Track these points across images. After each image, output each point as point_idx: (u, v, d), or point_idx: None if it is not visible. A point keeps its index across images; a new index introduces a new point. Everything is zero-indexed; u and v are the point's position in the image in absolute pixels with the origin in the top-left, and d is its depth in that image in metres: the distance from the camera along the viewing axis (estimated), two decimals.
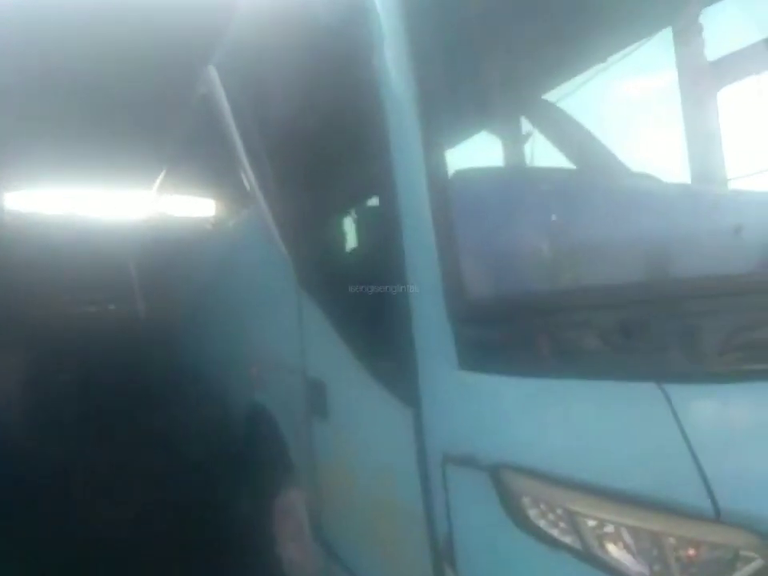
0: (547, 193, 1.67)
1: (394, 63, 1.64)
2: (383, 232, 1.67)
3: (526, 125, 3.07)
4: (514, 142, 3.15)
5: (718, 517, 1.25)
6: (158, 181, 5.46)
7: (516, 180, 1.64)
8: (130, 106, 5.52)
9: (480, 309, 1.43)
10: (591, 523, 1.31)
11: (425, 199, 1.49)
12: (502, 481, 1.35)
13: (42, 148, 6.43)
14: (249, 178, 2.84)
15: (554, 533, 1.32)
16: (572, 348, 1.39)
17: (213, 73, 3.49)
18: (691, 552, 1.25)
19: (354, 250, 1.95)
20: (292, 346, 2.41)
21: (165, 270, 4.87)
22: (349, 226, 2.04)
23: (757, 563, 1.24)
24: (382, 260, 1.71)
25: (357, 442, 1.94)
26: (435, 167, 1.52)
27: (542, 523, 1.34)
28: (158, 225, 5.14)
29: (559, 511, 1.32)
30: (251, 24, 3.02)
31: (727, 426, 1.35)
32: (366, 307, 1.79)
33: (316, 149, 2.09)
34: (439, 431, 1.50)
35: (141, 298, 6.02)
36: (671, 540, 1.28)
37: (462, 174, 1.58)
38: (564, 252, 1.55)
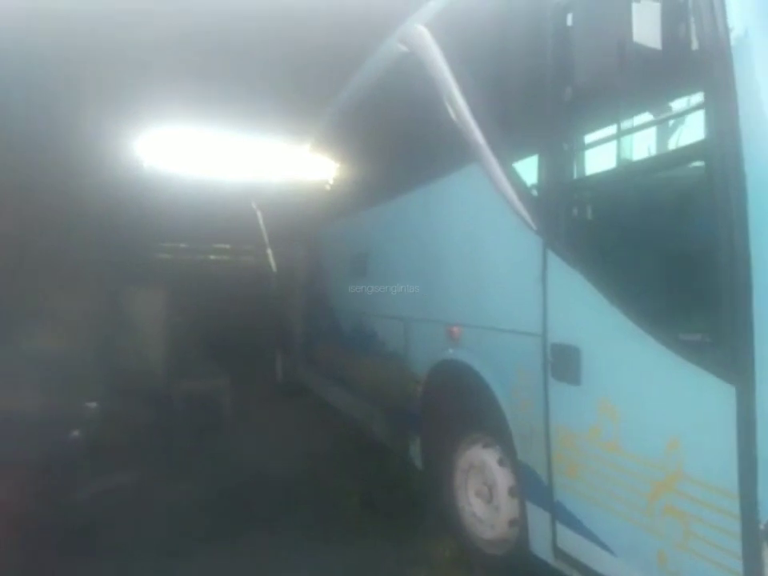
0: None
1: None
2: (714, 196, 1.60)
3: None
4: None
5: None
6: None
7: None
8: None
9: None
10: None
11: None
12: None
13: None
14: (473, 130, 2.84)
15: None
16: None
17: (422, 31, 3.49)
18: None
19: (647, 206, 1.86)
20: (528, 309, 2.40)
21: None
22: (646, 184, 1.95)
23: None
24: (704, 226, 1.65)
25: (630, 413, 1.92)
26: None
27: None
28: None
29: None
30: None
31: None
32: (668, 275, 1.75)
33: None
34: None
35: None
36: None
37: None
38: None
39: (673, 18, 1.77)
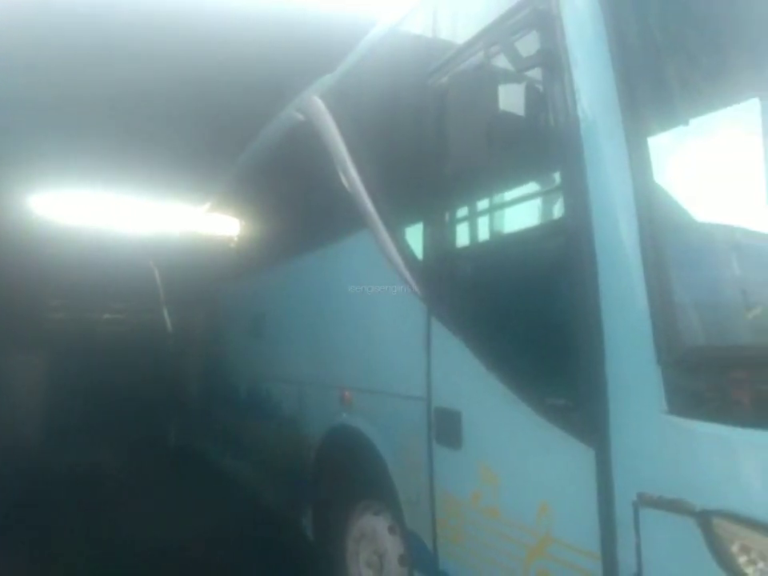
0: (757, 248, 1.75)
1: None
2: (572, 268, 1.73)
3: None
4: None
5: None
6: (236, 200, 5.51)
7: (729, 232, 1.72)
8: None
9: (693, 355, 1.49)
10: None
11: (635, 240, 1.56)
12: (714, 527, 1.39)
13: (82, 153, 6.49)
14: (363, 198, 2.94)
15: None
16: None
17: (317, 102, 3.62)
18: None
19: (520, 278, 1.98)
20: (414, 374, 2.44)
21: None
22: (513, 251, 2.07)
23: None
24: (563, 295, 1.76)
25: (507, 477, 1.97)
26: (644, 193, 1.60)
27: (749, 570, 1.37)
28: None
29: None
30: (376, 62, 3.13)
31: None
32: (535, 341, 1.85)
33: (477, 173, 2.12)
34: (635, 473, 1.54)
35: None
36: None
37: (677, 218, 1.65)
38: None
39: (534, 98, 1.94)
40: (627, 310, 1.57)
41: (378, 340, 2.81)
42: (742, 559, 1.38)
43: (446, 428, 2.25)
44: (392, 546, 2.75)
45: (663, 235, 1.59)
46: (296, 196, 3.95)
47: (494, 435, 2.04)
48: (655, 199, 1.63)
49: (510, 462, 1.97)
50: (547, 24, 1.91)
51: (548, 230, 1.96)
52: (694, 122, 2.09)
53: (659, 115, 1.83)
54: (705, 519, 1.40)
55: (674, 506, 1.45)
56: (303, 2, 4.52)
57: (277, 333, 4.07)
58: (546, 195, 2.05)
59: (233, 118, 5.46)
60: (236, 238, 5.38)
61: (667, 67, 1.89)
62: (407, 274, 2.55)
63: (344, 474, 3.09)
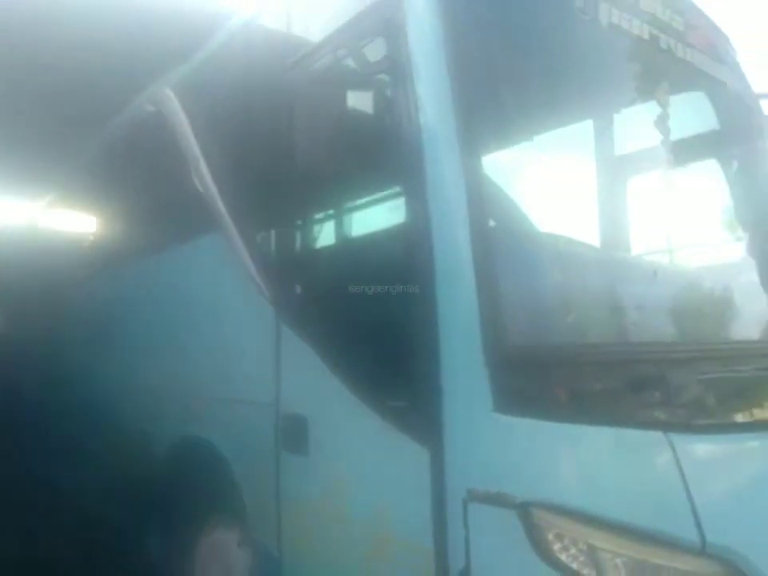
0: (579, 255, 1.89)
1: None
2: (409, 273, 1.76)
3: None
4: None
5: (703, 550, 1.46)
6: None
7: (554, 241, 1.83)
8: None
9: (517, 355, 1.57)
10: (606, 556, 1.46)
11: (467, 240, 1.62)
12: (532, 517, 1.47)
13: None
14: (213, 198, 2.81)
15: (574, 565, 1.46)
16: (598, 397, 1.57)
17: (169, 94, 3.43)
18: None
19: (364, 282, 1.98)
20: (260, 379, 2.37)
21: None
22: (356, 255, 2.07)
23: None
24: (401, 299, 1.78)
25: (351, 480, 1.96)
26: (475, 201, 1.66)
27: (563, 556, 1.47)
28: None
29: (581, 545, 1.46)
30: (228, 54, 3.02)
31: (722, 471, 1.59)
32: (376, 344, 1.86)
33: (320, 179, 2.11)
34: (466, 470, 1.59)
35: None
36: (666, 572, 1.47)
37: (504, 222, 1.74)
38: (592, 309, 1.75)
39: (378, 105, 1.96)
40: (458, 315, 1.62)
41: (227, 345, 2.70)
42: (557, 546, 1.47)
43: (294, 435, 2.20)
44: (241, 561, 2.64)
45: (492, 242, 1.66)
46: (145, 193, 3.71)
47: (339, 440, 2.03)
48: (486, 207, 1.71)
49: (354, 466, 1.97)
50: (392, 32, 1.94)
51: (388, 235, 1.99)
52: (527, 135, 2.24)
53: (494, 127, 1.92)
54: (524, 510, 1.48)
55: (498, 500, 1.52)
56: None
57: (123, 339, 3.79)
58: (387, 201, 2.08)
59: (79, 106, 5.02)
60: (80, 237, 4.94)
61: (504, 83, 2.00)
62: (257, 278, 2.47)
63: (193, 488, 2.93)
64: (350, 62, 2.07)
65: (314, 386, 2.12)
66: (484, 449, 1.57)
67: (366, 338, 1.91)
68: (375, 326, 1.87)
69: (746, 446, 1.62)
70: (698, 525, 1.46)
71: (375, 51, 2.00)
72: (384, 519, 1.80)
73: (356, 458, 1.95)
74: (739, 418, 1.64)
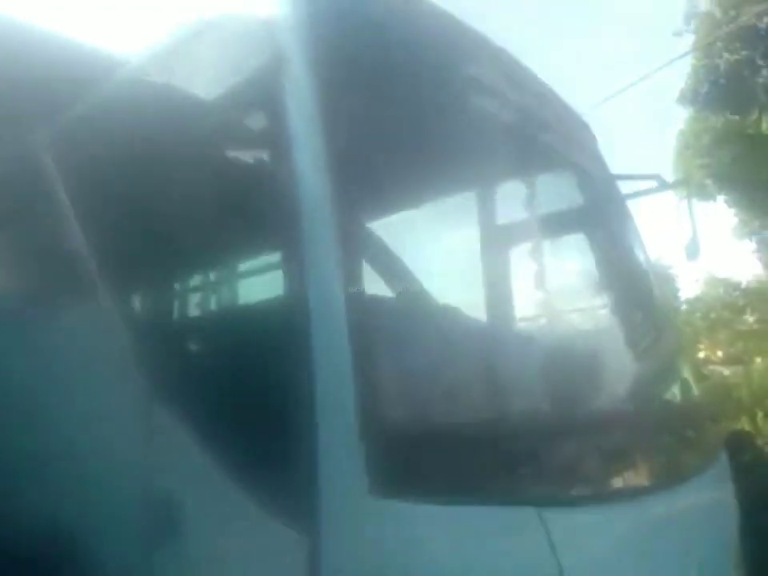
0: (459, 328, 1.91)
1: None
2: (283, 350, 1.71)
3: None
4: None
5: None
6: None
7: (433, 314, 1.84)
8: None
9: (393, 435, 1.53)
10: None
11: (342, 317, 1.59)
12: None
13: None
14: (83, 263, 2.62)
15: None
16: (472, 475, 1.57)
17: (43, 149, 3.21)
18: None
19: (236, 357, 1.90)
20: (127, 457, 2.18)
21: None
22: (235, 334, 1.98)
23: None
24: (274, 377, 1.72)
25: (222, 569, 1.82)
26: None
27: None
28: None
29: None
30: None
31: (591, 543, 1.63)
32: (255, 429, 1.77)
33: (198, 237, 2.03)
34: (341, 557, 1.52)
35: None
36: None
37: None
38: (470, 385, 1.76)
39: (256, 174, 1.93)
40: (335, 395, 1.57)
41: (91, 422, 2.47)
42: None
43: (167, 523, 2.02)
44: None
45: (369, 318, 1.65)
46: (12, 254, 3.41)
47: (211, 525, 1.89)
48: (362, 279, 1.71)
49: (226, 552, 1.83)
50: (270, 104, 1.93)
51: (259, 311, 1.93)
52: (404, 206, 2.30)
53: (372, 203, 1.95)
54: None
55: None
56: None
57: None
58: (261, 273, 2.04)
59: None
60: None
61: (384, 161, 2.03)
62: (128, 350, 2.30)
63: None
64: (232, 129, 2.05)
65: (190, 472, 1.98)
66: (360, 534, 1.51)
67: (244, 419, 1.82)
68: (248, 404, 1.78)
69: (612, 515, 1.69)
70: None
71: (253, 120, 1.99)
72: None
73: (227, 544, 1.82)
74: (606, 488, 1.71)
